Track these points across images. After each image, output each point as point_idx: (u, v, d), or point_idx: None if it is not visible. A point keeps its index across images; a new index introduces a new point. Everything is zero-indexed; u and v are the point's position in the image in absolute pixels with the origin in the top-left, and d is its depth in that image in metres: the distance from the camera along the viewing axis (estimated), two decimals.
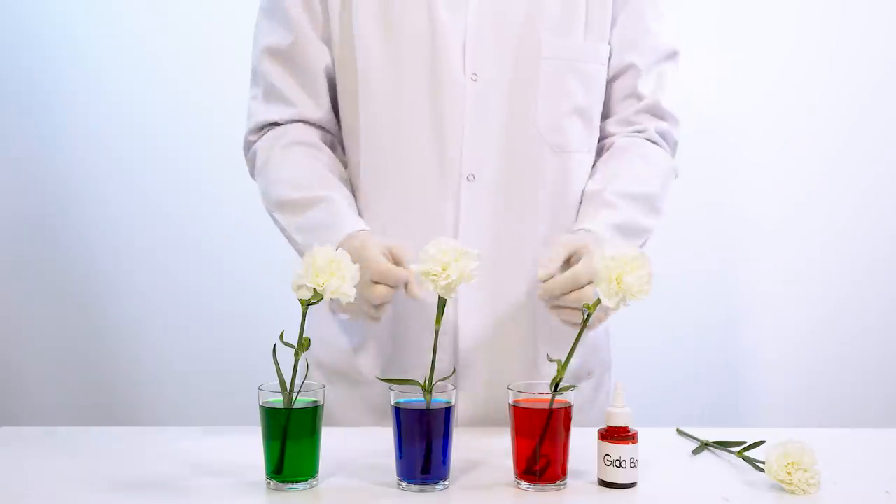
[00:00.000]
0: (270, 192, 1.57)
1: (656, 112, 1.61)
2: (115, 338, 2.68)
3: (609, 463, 1.26)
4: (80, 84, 2.64)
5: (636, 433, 1.26)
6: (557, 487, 1.26)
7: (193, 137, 2.64)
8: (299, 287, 1.23)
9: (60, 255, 2.66)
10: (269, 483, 1.27)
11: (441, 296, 1.24)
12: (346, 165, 1.61)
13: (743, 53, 2.63)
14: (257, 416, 1.28)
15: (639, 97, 1.60)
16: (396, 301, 1.51)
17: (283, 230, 1.56)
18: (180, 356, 2.67)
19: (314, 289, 1.22)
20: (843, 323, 2.67)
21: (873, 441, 1.52)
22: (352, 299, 1.23)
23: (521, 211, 1.55)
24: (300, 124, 1.59)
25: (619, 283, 1.21)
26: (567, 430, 1.26)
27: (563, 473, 1.27)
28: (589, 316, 1.26)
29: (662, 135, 1.62)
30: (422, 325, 1.53)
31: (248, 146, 1.65)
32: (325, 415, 1.30)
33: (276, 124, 1.61)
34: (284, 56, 1.58)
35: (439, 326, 1.27)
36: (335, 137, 1.63)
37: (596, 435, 1.28)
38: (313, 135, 1.59)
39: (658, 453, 1.40)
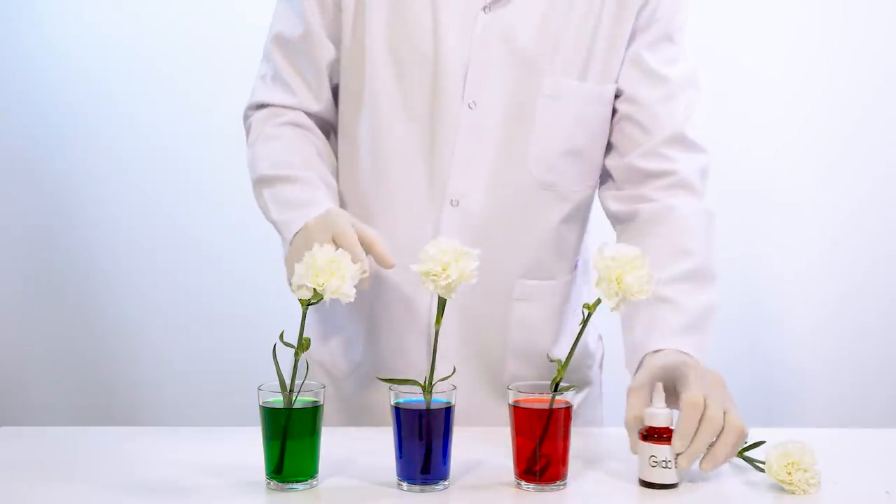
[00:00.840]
0: (257, 165, 1.59)
1: (683, 142, 1.54)
2: (114, 338, 2.68)
3: (655, 464, 1.25)
4: (80, 84, 2.64)
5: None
6: (557, 487, 1.26)
7: (193, 137, 2.65)
8: (299, 287, 1.23)
9: (60, 256, 2.67)
10: (269, 483, 1.27)
11: (441, 296, 1.24)
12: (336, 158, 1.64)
13: (743, 53, 2.63)
14: (257, 416, 1.28)
15: (663, 128, 1.53)
16: (371, 298, 1.55)
17: (262, 206, 1.58)
18: (180, 356, 2.67)
19: (314, 289, 1.22)
20: (843, 323, 2.68)
21: (873, 441, 1.52)
22: (352, 299, 1.23)
23: (502, 240, 1.54)
24: (298, 111, 1.62)
25: (619, 283, 1.21)
26: (567, 430, 1.26)
27: (563, 473, 1.27)
28: (589, 315, 1.26)
29: (694, 170, 1.55)
30: (395, 323, 1.56)
31: (245, 118, 1.68)
32: (326, 416, 1.31)
33: (274, 106, 1.64)
34: (292, 45, 1.60)
35: (439, 326, 1.26)
36: (331, 130, 1.65)
37: (584, 435, 1.28)
38: (309, 121, 1.62)
39: None
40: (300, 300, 1.24)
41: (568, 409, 1.26)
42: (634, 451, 1.29)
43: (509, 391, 1.28)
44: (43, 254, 2.67)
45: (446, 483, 1.27)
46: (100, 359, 2.68)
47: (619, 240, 1.57)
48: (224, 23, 2.63)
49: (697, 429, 1.26)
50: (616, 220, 1.59)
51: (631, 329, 1.47)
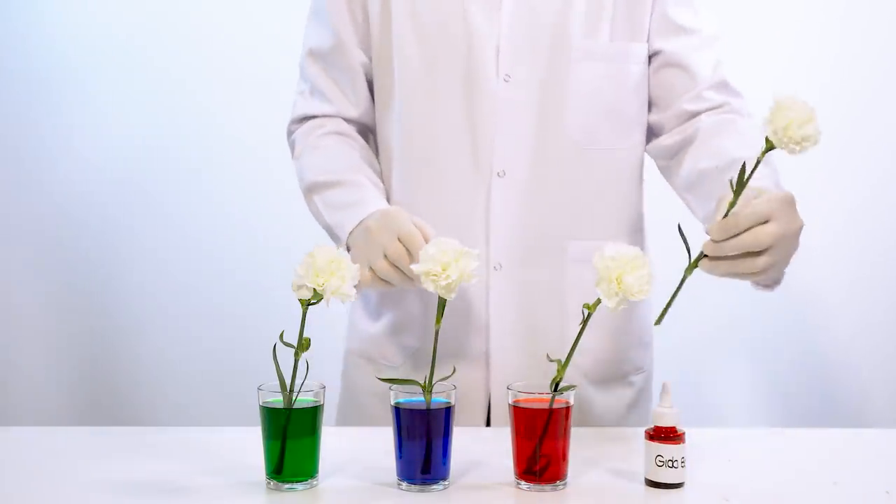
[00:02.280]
0: (305, 175, 1.64)
1: (726, 88, 1.61)
2: (115, 338, 2.68)
3: (661, 464, 1.25)
4: (81, 83, 2.64)
5: (684, 433, 1.26)
6: (557, 487, 1.26)
7: (195, 138, 2.65)
8: (299, 287, 1.23)
9: (60, 256, 2.67)
10: (269, 483, 1.27)
11: (441, 296, 1.24)
12: (378, 159, 1.68)
13: (744, 53, 2.63)
14: (257, 416, 1.28)
15: (703, 74, 1.59)
16: (427, 293, 1.53)
17: (314, 212, 1.63)
18: (181, 356, 2.67)
19: (314, 289, 1.22)
20: (843, 323, 2.67)
21: (873, 441, 1.52)
22: (352, 299, 1.24)
23: (550, 206, 1.57)
24: (339, 119, 1.68)
25: (619, 283, 1.21)
26: (567, 430, 1.26)
27: (563, 473, 1.27)
28: (589, 316, 1.26)
29: (743, 106, 1.61)
30: (450, 317, 1.53)
31: (289, 133, 1.74)
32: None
33: (315, 118, 1.69)
34: (325, 58, 1.66)
35: (439, 326, 1.26)
36: (370, 133, 1.71)
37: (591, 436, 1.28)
38: (350, 128, 1.68)
39: None
40: (300, 300, 1.24)
41: (568, 409, 1.26)
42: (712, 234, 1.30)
43: (509, 391, 1.28)
44: (43, 254, 2.67)
45: (446, 483, 1.27)
46: (100, 359, 2.68)
47: (688, 160, 1.56)
48: (226, 23, 2.63)
49: (739, 235, 1.29)
50: (671, 153, 1.61)
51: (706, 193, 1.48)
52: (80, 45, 2.64)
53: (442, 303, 1.26)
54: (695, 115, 1.59)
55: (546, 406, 1.25)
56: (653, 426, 1.27)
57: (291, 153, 1.72)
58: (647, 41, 1.60)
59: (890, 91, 2.65)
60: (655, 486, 1.26)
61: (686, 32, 1.60)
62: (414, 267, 1.25)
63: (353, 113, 1.67)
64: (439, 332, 1.26)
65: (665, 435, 1.26)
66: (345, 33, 1.63)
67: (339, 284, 1.22)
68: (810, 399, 2.68)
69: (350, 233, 1.52)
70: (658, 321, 1.30)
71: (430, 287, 1.23)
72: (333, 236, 1.58)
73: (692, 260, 1.30)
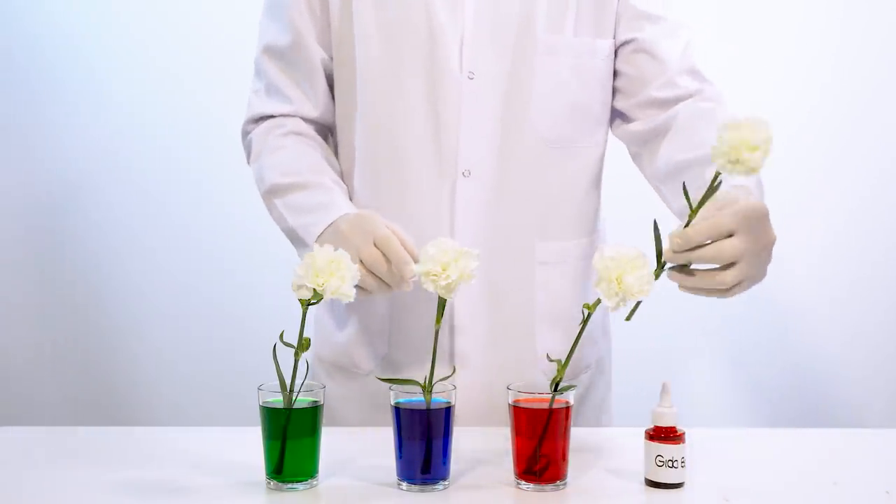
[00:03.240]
0: (264, 176, 1.59)
1: (696, 75, 1.59)
2: (115, 338, 2.68)
3: (661, 464, 1.25)
4: (81, 84, 2.64)
5: (683, 433, 1.26)
6: (557, 487, 1.26)
7: (194, 137, 2.65)
8: (299, 287, 1.23)
9: (60, 256, 2.67)
10: (269, 483, 1.27)
11: (441, 296, 1.24)
12: (338, 159, 1.65)
13: (744, 53, 2.63)
14: (257, 416, 1.28)
15: (673, 60, 1.57)
16: (393, 297, 1.54)
17: (276, 217, 1.59)
18: (180, 356, 2.68)
19: (314, 289, 1.22)
20: (843, 324, 2.67)
21: (873, 441, 1.52)
22: (352, 299, 1.23)
23: (517, 206, 1.56)
24: (297, 118, 1.63)
25: (619, 283, 1.21)
26: (567, 430, 1.26)
27: (563, 473, 1.27)
28: (589, 316, 1.26)
29: (717, 93, 1.59)
30: (418, 321, 1.54)
31: (245, 134, 1.69)
32: (325, 411, 1.31)
33: (272, 117, 1.65)
34: (283, 55, 1.62)
35: (439, 326, 1.27)
36: (329, 134, 1.67)
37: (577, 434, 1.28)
38: (308, 128, 1.64)
39: None
40: (300, 300, 1.24)
41: (568, 409, 1.26)
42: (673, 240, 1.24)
43: (509, 391, 1.28)
44: (43, 254, 2.67)
45: (446, 483, 1.27)
46: (100, 359, 2.68)
47: (665, 150, 1.54)
48: (225, 23, 2.63)
49: (701, 247, 1.23)
50: (642, 140, 1.59)
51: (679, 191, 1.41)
52: (80, 44, 2.64)
53: (442, 303, 1.26)
54: (666, 102, 1.56)
55: (546, 406, 1.25)
56: (652, 426, 1.27)
57: (247, 155, 1.67)
58: (614, 35, 1.58)
59: (890, 92, 2.65)
60: (655, 486, 1.26)
61: (653, 20, 1.58)
62: (414, 267, 1.25)
63: (313, 112, 1.63)
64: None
65: (665, 435, 1.25)
66: (304, 28, 1.59)
67: (339, 284, 1.22)
68: (810, 399, 2.68)
69: (318, 236, 1.48)
70: (628, 317, 1.24)
71: (430, 287, 1.23)
72: (297, 240, 1.53)
73: (655, 267, 1.25)
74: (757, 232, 1.26)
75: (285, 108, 1.63)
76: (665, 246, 1.25)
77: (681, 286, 1.28)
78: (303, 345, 1.24)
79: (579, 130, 1.59)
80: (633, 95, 1.59)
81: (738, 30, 2.63)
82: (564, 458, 1.26)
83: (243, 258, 2.65)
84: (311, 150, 1.61)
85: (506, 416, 1.29)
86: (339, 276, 1.22)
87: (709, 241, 1.24)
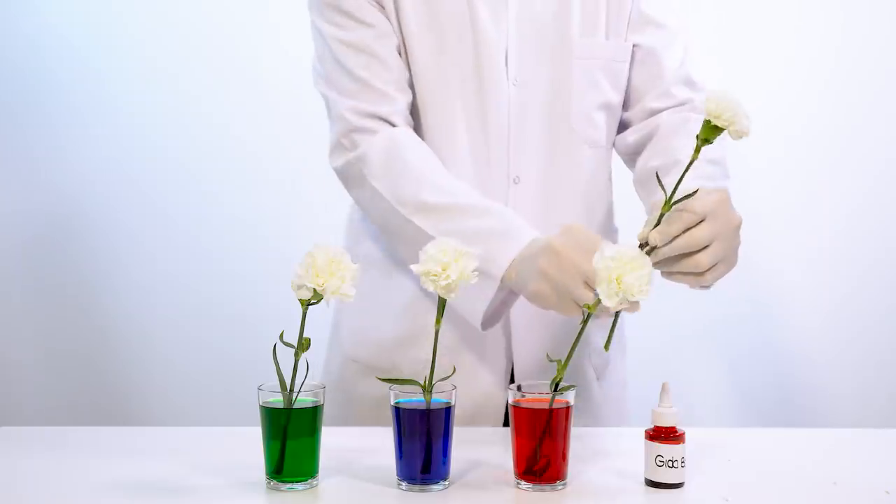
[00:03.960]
0: (405, 188, 1.48)
1: (689, 83, 1.63)
2: (115, 338, 2.68)
3: (661, 464, 1.25)
4: (81, 84, 2.64)
5: (684, 433, 1.26)
6: (557, 487, 1.26)
7: (195, 138, 2.65)
8: (299, 287, 1.23)
9: (61, 256, 2.67)
10: (269, 483, 1.27)
11: (441, 296, 1.24)
12: None
13: (745, 55, 2.63)
14: (257, 416, 1.28)
15: (670, 70, 1.61)
16: (415, 295, 1.56)
17: (422, 238, 1.41)
18: (180, 356, 2.67)
19: (314, 289, 1.22)
20: (843, 323, 2.67)
21: (873, 441, 1.52)
22: (351, 299, 1.23)
23: (563, 207, 1.59)
24: (406, 129, 1.54)
25: (619, 283, 1.21)
26: (567, 430, 1.26)
27: (563, 473, 1.27)
28: (589, 316, 1.26)
29: (701, 105, 1.59)
30: (473, 329, 1.52)
31: (351, 146, 1.53)
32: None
33: (377, 118, 1.53)
34: (367, 47, 1.53)
35: (439, 326, 1.26)
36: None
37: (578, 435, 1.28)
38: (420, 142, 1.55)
39: None
40: (300, 300, 1.24)
41: (568, 409, 1.26)
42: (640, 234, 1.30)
43: (509, 391, 1.28)
44: (43, 254, 2.66)
45: (446, 483, 1.27)
46: (100, 359, 2.68)
47: (642, 157, 1.59)
48: (225, 24, 2.63)
49: (676, 238, 1.29)
50: (633, 150, 1.63)
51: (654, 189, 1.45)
52: (79, 45, 2.64)
53: (442, 303, 1.26)
54: (658, 111, 1.61)
55: (546, 406, 1.25)
56: (652, 426, 1.27)
57: (352, 173, 1.53)
58: (626, 39, 1.61)
59: (889, 95, 2.65)
60: (655, 486, 1.26)
61: (656, 26, 1.61)
62: (414, 267, 1.24)
63: (409, 104, 1.55)
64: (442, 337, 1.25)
65: (665, 435, 1.25)
66: (380, 23, 1.53)
67: (339, 284, 1.22)
68: (810, 400, 2.68)
69: (511, 263, 1.39)
70: (606, 346, 1.29)
71: (430, 287, 1.23)
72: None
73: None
74: (725, 215, 1.34)
75: (386, 108, 1.52)
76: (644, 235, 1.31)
77: (662, 273, 1.33)
78: (303, 345, 1.24)
79: (609, 130, 1.63)
80: (632, 105, 1.64)
81: (738, 31, 2.63)
82: (564, 458, 1.26)
83: (244, 258, 2.65)
84: (447, 171, 1.52)
85: None
86: (339, 276, 1.22)
87: (684, 230, 1.30)
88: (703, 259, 1.31)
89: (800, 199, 2.67)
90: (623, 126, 1.66)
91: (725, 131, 1.27)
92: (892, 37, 2.65)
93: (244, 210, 2.66)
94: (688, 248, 1.30)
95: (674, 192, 1.29)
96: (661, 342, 2.62)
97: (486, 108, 1.55)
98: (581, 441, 1.37)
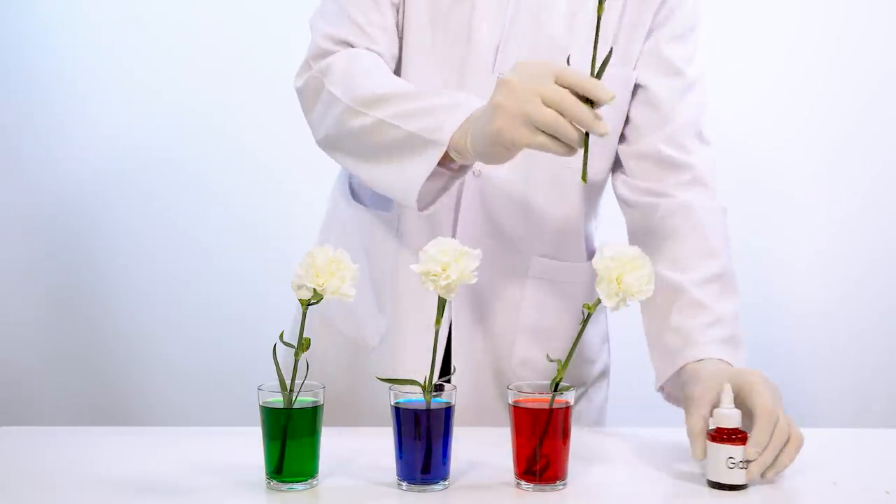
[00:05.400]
0: (361, 86, 1.45)
1: (699, 136, 1.58)
2: (115, 338, 2.68)
3: (733, 465, 1.25)
4: (82, 84, 2.64)
5: (747, 434, 1.26)
6: (557, 487, 1.26)
7: (195, 138, 2.65)
8: (299, 287, 1.23)
9: (61, 256, 2.67)
10: (269, 483, 1.27)
11: (441, 296, 1.24)
12: None
13: (746, 51, 2.64)
14: (257, 416, 1.28)
15: (680, 117, 1.56)
16: (392, 267, 1.56)
17: (371, 127, 1.43)
18: (180, 356, 2.67)
19: (314, 289, 1.22)
20: (842, 323, 2.68)
21: (873, 441, 1.52)
22: (351, 299, 1.23)
23: (522, 213, 1.56)
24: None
25: (619, 284, 1.21)
26: (567, 430, 1.26)
27: (563, 473, 1.27)
28: (589, 316, 1.26)
29: (709, 165, 1.58)
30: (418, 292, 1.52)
31: (315, 66, 1.52)
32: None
33: (349, 45, 1.53)
34: None
35: (439, 326, 1.26)
36: None
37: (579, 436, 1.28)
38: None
39: (662, 452, 1.40)
40: (300, 300, 1.24)
41: (568, 409, 1.26)
42: (699, 456, 1.29)
43: (509, 391, 1.28)
44: (43, 254, 2.66)
45: (446, 483, 1.27)
46: (100, 359, 2.68)
47: (634, 231, 1.57)
48: (227, 23, 2.63)
49: (770, 439, 1.27)
50: (627, 205, 1.59)
51: (661, 334, 1.47)
52: (79, 44, 2.64)
53: (442, 303, 1.26)
54: (659, 163, 1.55)
55: (546, 406, 1.25)
56: (714, 427, 1.26)
57: (322, 83, 1.50)
58: (635, 69, 1.56)
59: (887, 95, 2.65)
60: (719, 488, 1.26)
61: (674, 72, 1.56)
62: (413, 267, 1.24)
63: (389, 53, 1.53)
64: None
65: (729, 436, 1.25)
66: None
67: (339, 284, 1.22)
68: (809, 400, 2.68)
69: (459, 127, 1.34)
70: (583, 177, 1.26)
71: (430, 287, 1.23)
72: (416, 145, 1.37)
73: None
74: (778, 395, 1.35)
75: (365, 42, 1.52)
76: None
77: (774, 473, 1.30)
78: (303, 345, 1.24)
79: (601, 157, 1.58)
80: (632, 143, 1.58)
81: (737, 31, 2.63)
82: (564, 458, 1.26)
83: (243, 258, 2.65)
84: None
85: (490, 417, 1.28)
86: (339, 276, 1.22)
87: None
88: (798, 436, 1.31)
89: (798, 200, 2.67)
90: (617, 164, 1.60)
91: None
92: (891, 36, 2.65)
93: (244, 210, 2.66)
94: (782, 443, 1.28)
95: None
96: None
97: (465, 89, 1.51)
98: (581, 441, 1.37)
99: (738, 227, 2.60)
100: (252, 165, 2.64)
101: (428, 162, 1.36)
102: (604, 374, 1.74)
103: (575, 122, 1.24)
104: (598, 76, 1.26)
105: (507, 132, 1.26)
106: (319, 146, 1.55)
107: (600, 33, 1.32)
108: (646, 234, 1.55)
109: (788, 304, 2.68)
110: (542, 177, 1.56)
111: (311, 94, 1.53)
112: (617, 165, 1.61)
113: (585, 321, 1.26)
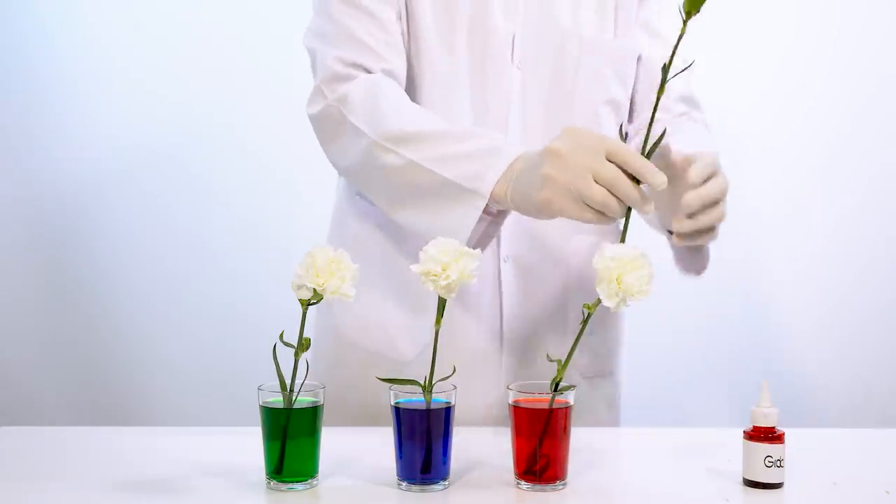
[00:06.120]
0: (386, 119, 1.43)
1: (690, 101, 1.65)
2: (115, 338, 2.68)
3: (770, 464, 1.25)
4: (81, 84, 2.64)
5: (784, 433, 1.27)
6: (557, 487, 1.26)
7: (197, 138, 2.65)
8: (299, 287, 1.23)
9: (61, 256, 2.67)
10: (269, 483, 1.27)
11: (441, 296, 1.24)
12: None
13: (742, 52, 2.64)
14: (257, 416, 1.28)
15: (672, 87, 1.61)
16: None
17: (402, 167, 1.41)
18: (181, 356, 2.68)
19: (314, 289, 1.22)
20: (842, 323, 2.68)
21: (873, 441, 1.52)
22: (351, 299, 1.23)
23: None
24: (387, 77, 1.52)
25: (619, 284, 1.21)
26: (567, 430, 1.26)
27: (563, 473, 1.27)
28: (589, 316, 1.26)
29: (703, 118, 1.66)
30: (463, 310, 1.55)
31: (331, 93, 1.50)
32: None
33: (362, 68, 1.51)
34: (361, 5, 1.52)
35: (439, 327, 1.26)
36: None
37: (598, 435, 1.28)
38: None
39: (663, 452, 1.40)
40: (300, 300, 1.24)
41: (568, 409, 1.26)
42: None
43: (509, 391, 1.28)
44: (44, 254, 2.67)
45: (446, 483, 1.27)
46: (100, 359, 2.68)
47: None
48: (229, 23, 2.63)
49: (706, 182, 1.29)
50: None
51: None
52: (79, 44, 2.64)
53: (442, 303, 1.26)
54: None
55: (546, 406, 1.25)
56: (751, 426, 1.27)
57: (341, 113, 1.48)
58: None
59: (885, 96, 2.65)
60: (756, 487, 1.26)
61: (662, 42, 1.62)
62: (413, 267, 1.24)
63: (401, 71, 1.52)
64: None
65: (766, 435, 1.25)
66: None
67: (339, 284, 1.22)
68: (808, 400, 2.68)
69: (500, 177, 1.34)
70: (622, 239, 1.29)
71: (430, 287, 1.23)
72: (455, 193, 1.36)
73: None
74: (722, 174, 1.34)
75: (379, 63, 1.50)
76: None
77: (685, 235, 1.31)
78: (303, 345, 1.24)
79: (612, 127, 1.62)
80: (633, 118, 1.65)
81: (735, 31, 2.63)
82: (564, 458, 1.26)
83: (244, 258, 2.65)
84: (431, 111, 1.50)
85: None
86: (339, 276, 1.22)
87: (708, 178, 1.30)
88: (718, 211, 1.31)
89: (796, 200, 2.68)
90: (626, 138, 1.64)
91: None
92: (888, 39, 2.65)
93: (245, 210, 2.66)
94: (720, 194, 1.29)
95: (649, 129, 1.28)
96: (658, 342, 2.62)
97: (488, 86, 1.54)
98: (582, 441, 1.37)
99: (736, 228, 2.62)
100: (253, 165, 2.65)
101: (471, 211, 1.37)
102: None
103: (625, 200, 1.26)
104: (649, 155, 1.28)
105: (556, 204, 1.29)
106: (341, 174, 1.56)
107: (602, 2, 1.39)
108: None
109: (787, 304, 2.68)
110: None
111: (329, 124, 1.51)
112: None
113: (585, 321, 1.26)
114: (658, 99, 1.28)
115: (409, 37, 1.56)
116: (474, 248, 1.41)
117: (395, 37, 1.54)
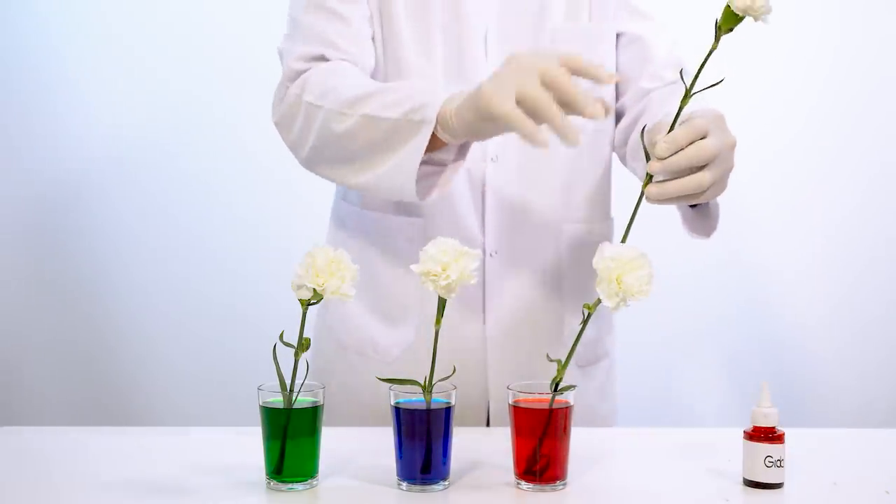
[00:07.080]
0: (341, 90, 1.45)
1: (679, 67, 1.63)
2: (115, 338, 2.68)
3: (771, 464, 1.25)
4: (82, 83, 2.64)
5: (784, 433, 1.27)
6: (557, 487, 1.26)
7: (197, 137, 2.65)
8: (299, 287, 1.23)
9: (62, 255, 2.67)
10: (269, 483, 1.27)
11: (441, 296, 1.24)
12: None
13: (742, 55, 2.63)
14: (257, 416, 1.28)
15: (660, 55, 1.62)
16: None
17: (361, 125, 1.42)
18: (181, 356, 2.68)
19: (314, 289, 1.22)
20: (843, 323, 2.68)
21: (873, 441, 1.52)
22: (351, 299, 1.23)
23: (541, 187, 1.60)
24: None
25: (619, 284, 1.21)
26: (567, 430, 1.26)
27: (563, 473, 1.27)
28: (589, 316, 1.26)
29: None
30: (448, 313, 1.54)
31: (295, 77, 1.54)
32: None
33: (323, 60, 1.54)
34: (330, 7, 1.56)
35: (439, 327, 1.26)
36: None
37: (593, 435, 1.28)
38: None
39: (663, 452, 1.40)
40: (300, 300, 1.24)
41: (568, 409, 1.26)
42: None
43: (509, 391, 1.28)
44: (43, 252, 2.66)
45: (446, 483, 1.27)
46: (101, 359, 2.68)
47: (635, 131, 1.58)
48: (229, 22, 2.63)
49: (686, 148, 1.28)
50: (627, 135, 1.62)
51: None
52: (81, 44, 2.64)
53: (442, 303, 1.26)
54: (649, 91, 1.61)
55: (546, 406, 1.25)
56: (752, 426, 1.27)
57: (300, 99, 1.50)
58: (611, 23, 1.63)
59: (886, 97, 2.65)
60: (755, 487, 1.26)
61: (644, 17, 1.63)
62: (413, 267, 1.24)
63: (368, 65, 1.55)
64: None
65: (766, 435, 1.25)
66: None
67: (339, 284, 1.22)
68: (808, 399, 2.68)
69: (444, 102, 1.34)
70: (623, 240, 1.28)
71: (430, 287, 1.23)
72: (405, 129, 1.37)
73: (643, 184, 1.30)
74: (724, 132, 1.33)
75: (339, 54, 1.53)
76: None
77: (663, 198, 1.30)
78: (303, 345, 1.24)
79: (606, 131, 1.64)
80: (625, 90, 1.64)
81: (735, 32, 2.62)
82: (564, 458, 1.26)
83: (244, 258, 2.65)
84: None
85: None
86: (339, 276, 1.22)
87: (690, 143, 1.29)
88: (706, 177, 1.30)
89: (797, 199, 2.67)
90: (619, 116, 1.65)
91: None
92: (890, 38, 2.65)
93: (245, 210, 2.66)
94: (696, 159, 1.29)
95: (676, 117, 1.28)
96: (660, 340, 2.62)
97: (464, 84, 1.50)
98: (581, 441, 1.37)
99: (736, 229, 2.64)
100: (254, 165, 2.64)
101: (419, 142, 1.36)
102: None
103: (568, 100, 1.25)
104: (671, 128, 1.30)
105: (495, 98, 1.26)
106: (305, 166, 1.56)
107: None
108: (646, 117, 1.56)
109: (787, 304, 2.68)
110: (552, 148, 1.56)
111: (289, 116, 1.53)
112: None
113: (585, 321, 1.26)
114: (680, 108, 1.29)
115: (384, 41, 1.58)
116: (422, 191, 1.42)
117: (362, 35, 1.56)
